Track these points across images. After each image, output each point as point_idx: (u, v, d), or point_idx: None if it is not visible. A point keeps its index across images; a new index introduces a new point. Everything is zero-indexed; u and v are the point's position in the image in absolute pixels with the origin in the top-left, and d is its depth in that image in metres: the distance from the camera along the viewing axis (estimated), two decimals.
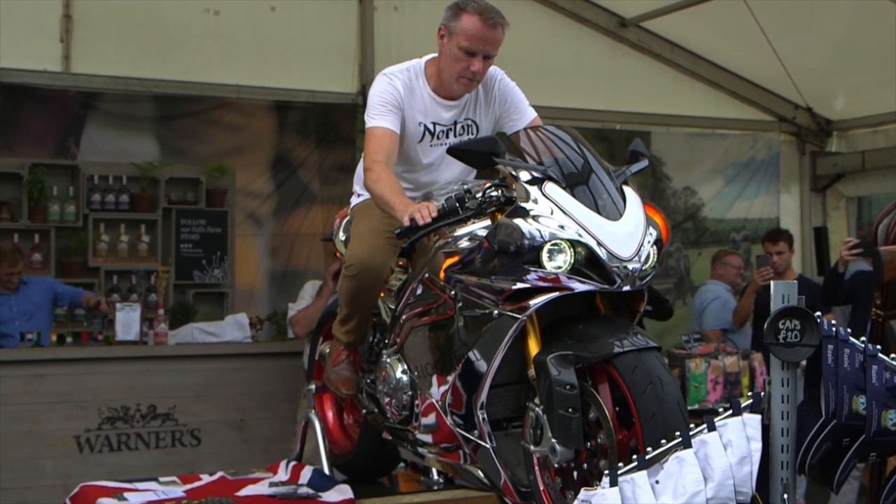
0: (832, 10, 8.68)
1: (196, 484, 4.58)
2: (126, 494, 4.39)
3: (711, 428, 2.88)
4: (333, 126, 8.79)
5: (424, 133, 4.19)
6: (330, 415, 4.93)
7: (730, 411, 2.90)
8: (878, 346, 2.83)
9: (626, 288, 3.35)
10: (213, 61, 8.31)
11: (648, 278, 3.43)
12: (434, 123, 4.19)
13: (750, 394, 2.93)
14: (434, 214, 3.58)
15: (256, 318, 7.79)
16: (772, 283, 2.93)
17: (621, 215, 3.44)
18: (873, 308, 5.17)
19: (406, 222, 3.61)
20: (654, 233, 3.48)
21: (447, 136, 4.21)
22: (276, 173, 8.69)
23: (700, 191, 10.09)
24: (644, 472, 2.91)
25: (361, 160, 4.24)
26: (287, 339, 7.50)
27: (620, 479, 2.92)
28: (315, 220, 8.73)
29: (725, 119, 10.13)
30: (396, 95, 4.12)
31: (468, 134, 4.24)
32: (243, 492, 4.39)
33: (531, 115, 4.34)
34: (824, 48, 9.23)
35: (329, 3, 8.74)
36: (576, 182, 3.48)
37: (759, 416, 2.86)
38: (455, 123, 4.22)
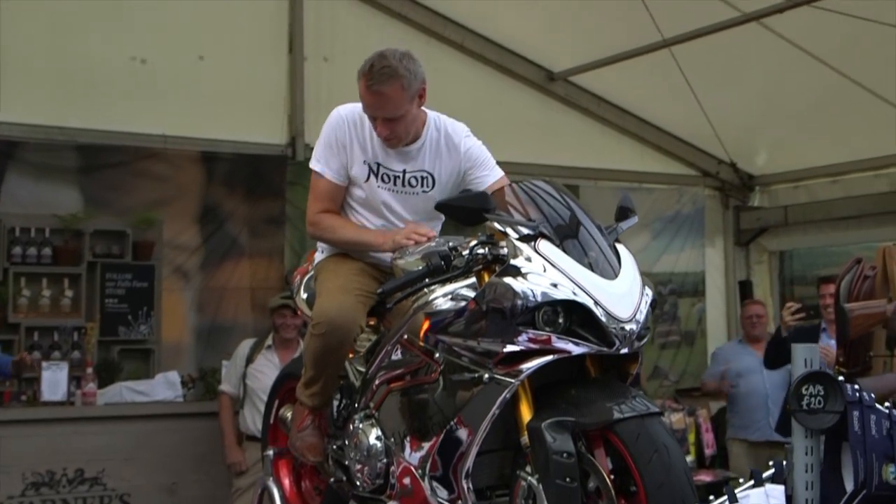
0: (756, 66, 8.81)
1: None
2: None
3: (732, 499, 2.77)
4: (262, 178, 8.59)
5: (369, 174, 4.08)
6: (287, 482, 4.71)
7: (751, 481, 2.79)
8: None
9: (625, 350, 3.24)
10: (139, 110, 8.06)
11: (645, 339, 3.32)
12: (378, 164, 4.08)
13: (771, 462, 2.83)
14: (428, 233, 3.49)
15: (188, 375, 7.54)
16: (793, 346, 2.85)
17: (616, 274, 3.33)
18: (836, 366, 5.19)
19: (406, 243, 3.64)
20: (650, 293, 3.39)
21: (394, 183, 4.10)
22: (203, 226, 8.45)
23: (627, 244, 10.05)
24: None
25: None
26: None
27: None
28: (243, 273, 8.50)
29: (652, 173, 10.20)
30: (342, 135, 4.06)
31: (421, 186, 4.12)
32: None
33: (498, 173, 4.27)
34: (748, 104, 9.36)
35: (258, 54, 8.57)
36: (567, 238, 3.37)
37: (781, 487, 2.76)
38: (404, 172, 4.10)
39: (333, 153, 4.09)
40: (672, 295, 10.20)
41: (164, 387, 7.08)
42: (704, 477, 6.14)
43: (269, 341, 7.13)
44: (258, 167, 8.57)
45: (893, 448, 2.68)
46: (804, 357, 2.75)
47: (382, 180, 4.10)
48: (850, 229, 9.45)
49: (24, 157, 7.84)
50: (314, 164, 4.14)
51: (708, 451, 6.68)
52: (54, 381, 6.62)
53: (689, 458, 6.47)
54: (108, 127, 7.97)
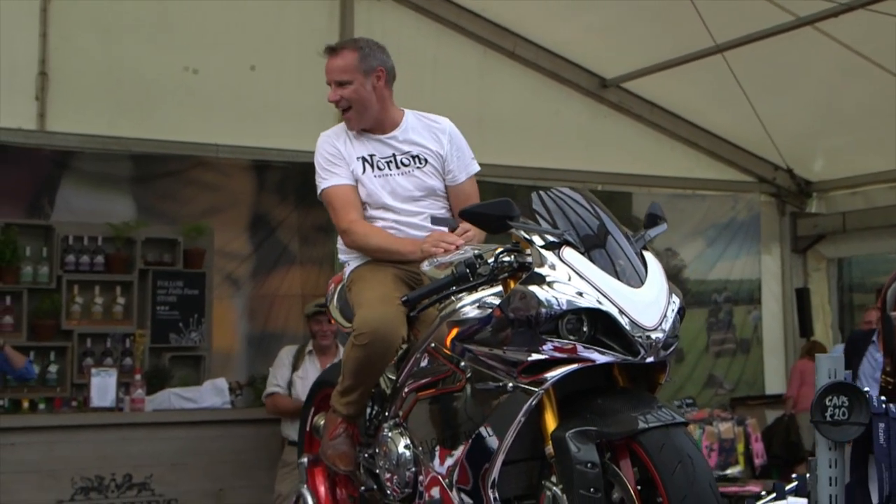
0: (812, 71, 8.68)
1: None
2: None
3: None
4: (313, 186, 8.55)
5: (364, 166, 4.25)
6: (322, 490, 4.69)
7: (773, 495, 2.73)
8: None
9: (650, 359, 3.19)
10: (191, 120, 8.14)
11: (672, 349, 3.27)
12: (371, 155, 4.27)
13: (794, 476, 2.76)
14: (456, 241, 3.62)
15: (236, 382, 7.59)
16: (817, 356, 2.78)
17: (643, 282, 3.28)
18: (883, 375, 5.08)
19: (425, 258, 3.70)
20: (678, 301, 3.33)
21: (389, 168, 4.26)
22: (254, 234, 8.52)
23: (681, 252, 10.01)
24: None
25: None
26: None
27: None
28: (294, 281, 8.54)
29: (705, 180, 10.09)
30: (331, 149, 4.30)
31: (415, 164, 4.30)
32: None
33: (475, 167, 4.42)
34: (804, 109, 9.23)
35: (309, 63, 8.55)
36: (594, 247, 3.33)
37: (804, 501, 2.70)
38: (394, 155, 4.28)
39: (333, 164, 4.29)
40: (727, 303, 10.07)
41: (212, 394, 7.13)
42: (753, 488, 6.05)
43: (309, 347, 7.16)
44: (309, 175, 8.51)
45: None
46: (828, 367, 2.68)
47: (378, 168, 4.26)
48: None
49: (78, 167, 7.96)
50: (322, 185, 4.34)
51: (757, 461, 6.59)
52: (103, 387, 6.70)
53: (738, 469, 6.39)
54: (161, 136, 8.07)
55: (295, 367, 7.10)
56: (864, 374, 6.63)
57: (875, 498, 2.63)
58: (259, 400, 7.62)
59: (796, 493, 2.72)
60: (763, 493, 2.80)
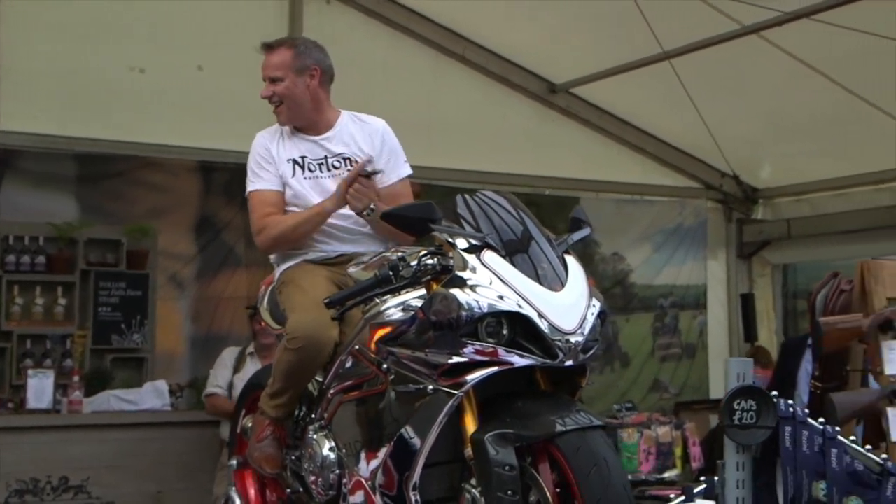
0: (758, 79, 8.74)
1: None
2: None
3: None
4: None
5: (294, 168, 4.27)
6: (252, 492, 4.67)
7: (682, 497, 2.75)
8: (837, 429, 2.72)
9: (569, 363, 3.21)
10: (138, 120, 8.05)
11: (592, 352, 3.29)
12: (302, 157, 4.29)
13: (703, 479, 2.79)
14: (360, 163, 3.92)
15: (176, 384, 7.54)
16: (727, 360, 2.81)
17: (563, 285, 3.31)
18: (812, 380, 5.15)
19: (344, 203, 3.97)
20: (598, 304, 3.36)
21: (320, 170, 4.29)
22: (199, 235, 8.47)
23: (628, 257, 10.06)
24: None
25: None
26: None
27: None
28: (239, 283, 8.50)
29: (653, 185, 10.13)
30: (263, 150, 4.32)
31: (345, 166, 4.31)
32: None
33: (407, 170, 4.44)
34: (750, 116, 9.29)
35: (256, 64, 8.48)
36: (516, 250, 3.35)
37: (712, 503, 2.72)
38: (326, 157, 4.30)
39: (262, 167, 4.30)
40: (673, 308, 10.14)
41: (152, 395, 7.08)
42: (670, 491, 6.07)
43: (250, 348, 7.13)
44: None
45: (825, 465, 2.64)
46: (737, 371, 2.71)
47: (309, 169, 4.28)
48: (853, 243, 9.33)
49: (22, 166, 7.89)
50: (248, 187, 4.36)
51: (695, 465, 6.63)
52: (40, 388, 6.63)
53: (676, 472, 6.43)
54: (107, 136, 7.97)
55: (237, 369, 7.07)
56: (801, 379, 6.70)
57: (781, 500, 2.66)
58: (201, 402, 7.59)
59: (705, 495, 2.74)
60: (672, 496, 2.81)
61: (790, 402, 2.72)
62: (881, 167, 9.19)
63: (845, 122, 8.78)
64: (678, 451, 6.48)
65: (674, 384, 9.63)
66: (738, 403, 2.68)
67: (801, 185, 10.01)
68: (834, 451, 2.66)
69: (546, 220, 8.32)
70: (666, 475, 6.28)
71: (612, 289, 9.86)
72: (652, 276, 10.05)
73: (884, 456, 2.76)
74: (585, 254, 9.73)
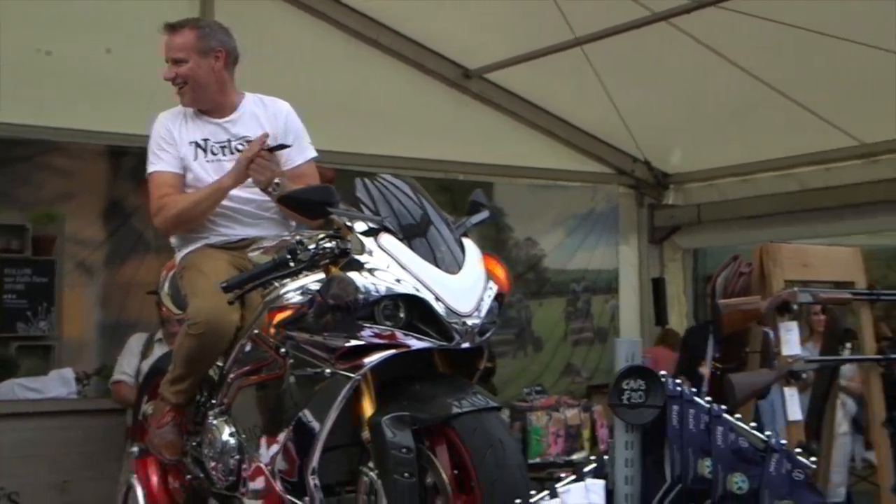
0: (668, 66, 8.84)
1: None
2: None
3: (553, 495, 2.77)
4: None
5: (196, 151, 4.23)
6: (154, 479, 4.64)
7: (573, 476, 2.79)
8: (723, 407, 2.77)
9: (466, 345, 3.23)
10: (44, 103, 7.88)
11: (488, 334, 3.31)
12: (205, 140, 4.25)
13: (593, 458, 2.83)
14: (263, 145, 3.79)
15: (83, 372, 7.41)
16: (616, 341, 2.85)
17: (460, 268, 3.32)
18: (714, 362, 5.23)
19: (245, 178, 3.90)
20: (495, 287, 3.38)
21: (223, 153, 4.24)
22: (108, 221, 8.31)
23: (541, 242, 10.12)
24: None
25: None
26: None
27: None
28: (149, 269, 8.33)
29: (566, 171, 10.20)
30: (164, 131, 4.29)
31: None
32: None
33: (312, 152, 4.40)
34: (661, 103, 9.40)
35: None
36: (414, 234, 3.37)
37: (602, 482, 2.76)
38: (230, 141, 4.25)
39: (163, 149, 4.26)
40: (586, 292, 10.23)
41: (58, 384, 6.97)
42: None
43: (158, 335, 7.04)
44: None
45: (711, 442, 2.69)
46: (626, 352, 2.75)
47: (212, 153, 4.23)
48: (761, 228, 9.49)
49: None
50: (148, 168, 4.32)
51: (602, 447, 6.73)
52: None
53: (584, 454, 6.52)
54: (12, 120, 7.79)
55: (144, 356, 6.98)
56: (709, 364, 6.84)
57: (668, 478, 2.71)
58: (109, 390, 7.48)
59: (595, 474, 2.78)
60: (562, 475, 2.85)
61: (678, 381, 2.76)
62: (787, 153, 9.38)
63: (752, 109, 8.93)
64: (586, 434, 6.58)
65: (586, 368, 9.72)
66: (627, 383, 2.73)
67: (710, 171, 10.16)
68: (720, 428, 2.71)
69: (459, 205, 8.32)
70: (574, 457, 6.38)
71: (525, 274, 9.93)
72: (565, 260, 10.13)
73: (768, 433, 2.81)
74: (499, 239, 9.79)
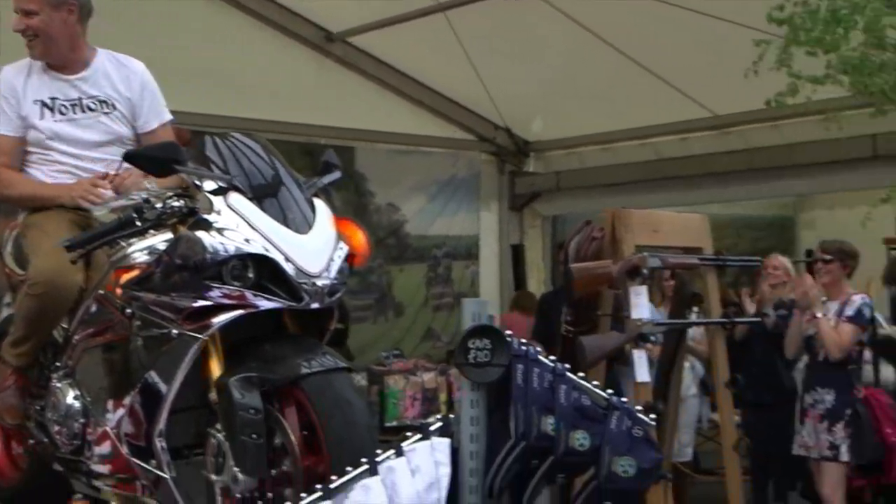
0: (529, 33, 8.89)
1: None
2: None
3: (399, 454, 2.77)
4: None
5: (42, 110, 4.07)
6: None
7: (418, 435, 2.80)
8: (567, 365, 2.81)
9: (315, 305, 3.21)
10: None
11: (338, 295, 3.29)
12: (53, 98, 4.08)
13: (439, 416, 2.85)
14: (101, 194, 3.48)
15: None
16: (463, 301, 2.87)
17: (311, 228, 3.29)
18: (565, 325, 5.31)
19: (83, 204, 3.60)
20: (345, 247, 3.36)
21: (73, 111, 4.10)
22: None
23: (403, 207, 10.13)
24: (328, 503, 2.76)
25: None
26: None
27: None
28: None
29: (428, 137, 10.21)
30: (7, 89, 4.08)
31: (101, 109, 4.12)
32: None
33: (168, 115, 4.26)
34: (522, 70, 9.45)
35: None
36: (264, 194, 3.32)
37: (448, 440, 2.78)
38: (80, 99, 4.10)
39: (2, 109, 4.06)
40: (447, 258, 10.28)
41: None
42: None
43: (7, 298, 6.79)
44: None
45: (554, 400, 2.74)
46: (472, 311, 2.77)
47: (60, 112, 4.07)
48: (619, 195, 9.65)
49: None
50: None
51: None
52: None
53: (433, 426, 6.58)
54: None
55: None
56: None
57: (513, 436, 2.75)
58: None
59: (441, 433, 2.80)
60: (408, 434, 2.86)
61: (523, 340, 2.80)
62: (644, 123, 9.56)
63: (612, 80, 9.06)
64: (443, 397, 6.62)
65: (446, 333, 9.76)
66: (473, 343, 2.75)
67: (570, 140, 10.29)
68: (563, 387, 2.76)
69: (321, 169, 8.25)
70: (430, 420, 6.40)
71: (387, 239, 9.93)
72: (426, 226, 10.16)
73: (609, 391, 2.87)
74: (360, 204, 9.75)
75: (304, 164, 3.74)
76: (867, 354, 5.96)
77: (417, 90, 10.03)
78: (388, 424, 7.00)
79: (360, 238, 3.53)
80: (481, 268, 10.45)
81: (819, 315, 5.79)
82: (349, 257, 3.38)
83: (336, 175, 3.57)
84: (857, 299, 5.85)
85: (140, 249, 3.48)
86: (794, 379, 6.55)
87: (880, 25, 6.34)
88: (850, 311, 5.81)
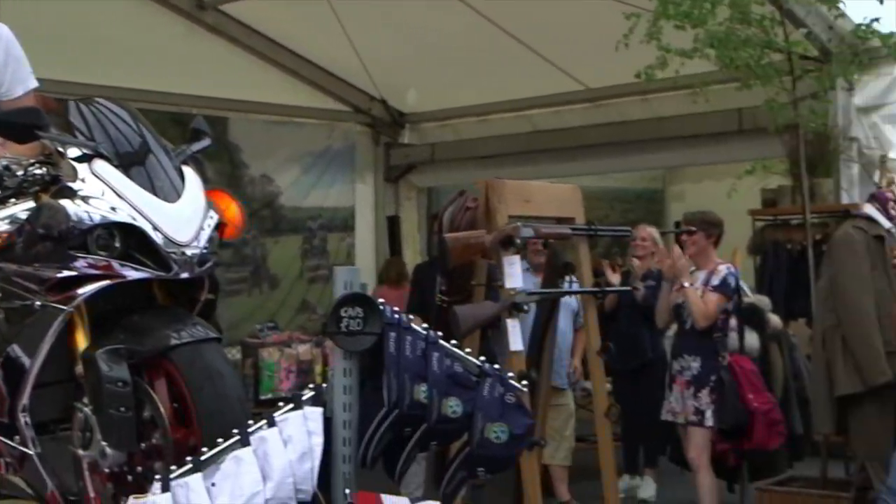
0: (405, 5, 8.88)
1: None
2: None
3: (271, 424, 2.74)
4: None
5: None
6: None
7: (290, 405, 2.77)
8: (440, 333, 2.82)
9: (185, 275, 3.14)
10: None
11: (208, 265, 3.23)
12: None
13: (311, 386, 2.82)
14: None
15: None
16: (335, 269, 2.85)
17: (180, 197, 3.22)
18: (439, 294, 5.33)
19: None
20: (216, 216, 3.29)
21: None
22: None
23: (277, 179, 10.05)
24: (199, 475, 2.71)
25: None
26: None
27: (173, 483, 2.71)
28: None
29: (303, 108, 10.16)
30: None
31: None
32: None
33: (34, 82, 3.98)
34: (398, 42, 9.45)
35: None
36: (131, 161, 3.22)
37: (320, 409, 2.76)
38: None
39: None
40: (322, 230, 10.24)
41: None
42: None
43: None
44: None
45: (427, 368, 2.74)
46: (344, 279, 2.75)
47: None
48: (494, 167, 9.71)
49: None
50: None
51: None
52: None
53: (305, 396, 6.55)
54: None
55: None
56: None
57: (386, 404, 2.74)
58: None
59: (313, 402, 2.77)
60: (280, 404, 2.83)
61: (395, 308, 2.79)
62: (521, 96, 9.65)
63: (489, 53, 9.12)
64: (319, 369, 6.59)
65: (322, 305, 9.72)
66: (346, 311, 2.72)
67: (445, 111, 10.35)
68: (435, 354, 2.76)
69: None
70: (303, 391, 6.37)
71: (261, 211, 9.83)
72: (301, 198, 10.10)
73: (482, 358, 2.89)
74: (234, 175, 9.62)
75: (175, 135, 3.64)
76: (733, 322, 6.11)
77: (292, 60, 9.93)
78: (262, 397, 6.95)
79: (233, 210, 3.46)
80: (357, 239, 10.45)
81: (686, 285, 5.92)
82: (223, 230, 3.31)
83: (206, 142, 3.49)
84: (723, 269, 6.00)
85: (1, 219, 3.35)
86: (664, 347, 6.70)
87: (746, 1, 6.52)
88: (715, 281, 5.95)
